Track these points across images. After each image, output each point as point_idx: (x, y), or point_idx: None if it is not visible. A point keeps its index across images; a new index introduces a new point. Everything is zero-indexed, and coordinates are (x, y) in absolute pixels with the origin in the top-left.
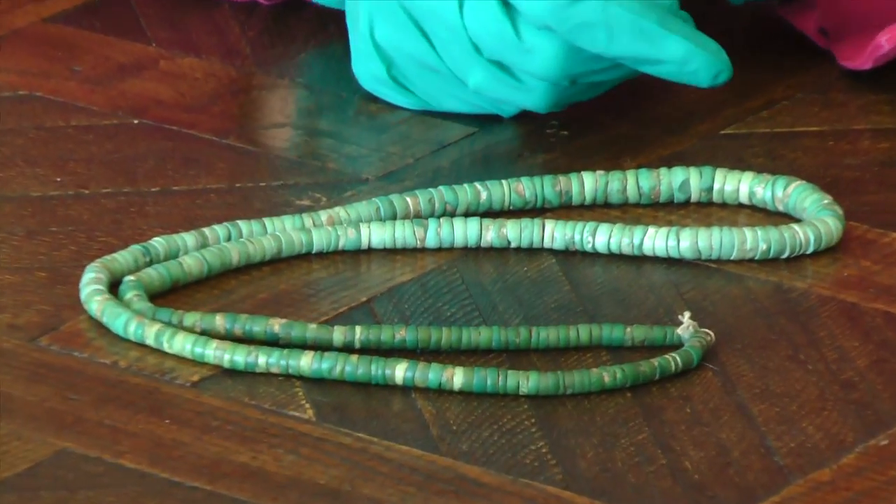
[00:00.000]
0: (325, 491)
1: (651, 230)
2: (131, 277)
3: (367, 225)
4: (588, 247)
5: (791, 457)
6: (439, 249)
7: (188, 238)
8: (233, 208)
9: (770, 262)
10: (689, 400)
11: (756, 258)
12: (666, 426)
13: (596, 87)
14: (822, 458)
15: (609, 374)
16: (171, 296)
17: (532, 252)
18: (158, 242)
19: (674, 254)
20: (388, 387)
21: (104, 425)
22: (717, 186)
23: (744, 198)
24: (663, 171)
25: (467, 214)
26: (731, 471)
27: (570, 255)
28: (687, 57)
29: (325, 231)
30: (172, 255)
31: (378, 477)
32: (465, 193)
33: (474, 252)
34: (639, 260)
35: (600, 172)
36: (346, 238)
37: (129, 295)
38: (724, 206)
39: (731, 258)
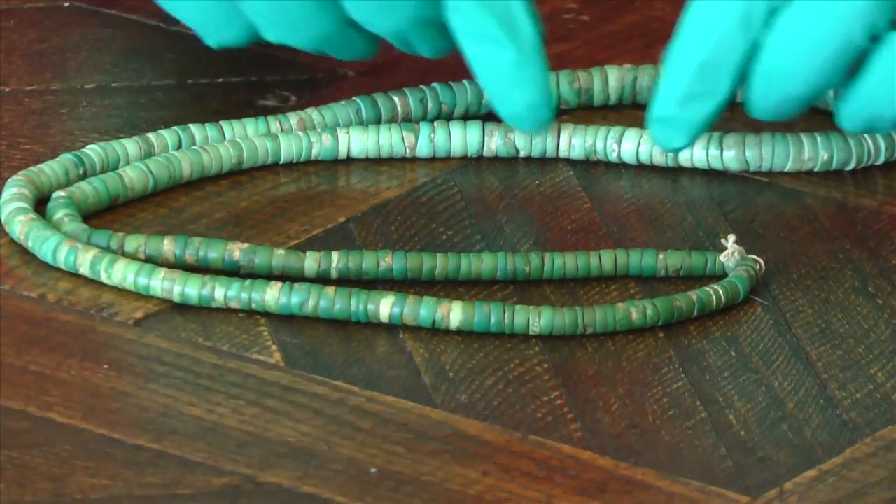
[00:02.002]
0: (295, 450)
1: None
2: (61, 193)
3: (345, 130)
4: (613, 156)
5: (857, 409)
6: (433, 159)
7: (130, 145)
8: (184, 109)
9: (833, 175)
10: (734, 341)
11: (816, 170)
12: (706, 373)
13: None
14: (895, 412)
15: (638, 311)
16: (109, 215)
17: (546, 162)
18: (94, 151)
19: (716, 165)
20: (370, 325)
21: (29, 372)
22: None
23: None
24: None
25: (467, 117)
26: (785, 426)
27: (591, 166)
28: None
29: (295, 137)
30: (111, 167)
31: (359, 434)
32: (465, 92)
33: (475, 162)
34: (674, 172)
35: (628, 66)
36: (320, 145)
37: (59, 214)
38: None
39: (786, 170)
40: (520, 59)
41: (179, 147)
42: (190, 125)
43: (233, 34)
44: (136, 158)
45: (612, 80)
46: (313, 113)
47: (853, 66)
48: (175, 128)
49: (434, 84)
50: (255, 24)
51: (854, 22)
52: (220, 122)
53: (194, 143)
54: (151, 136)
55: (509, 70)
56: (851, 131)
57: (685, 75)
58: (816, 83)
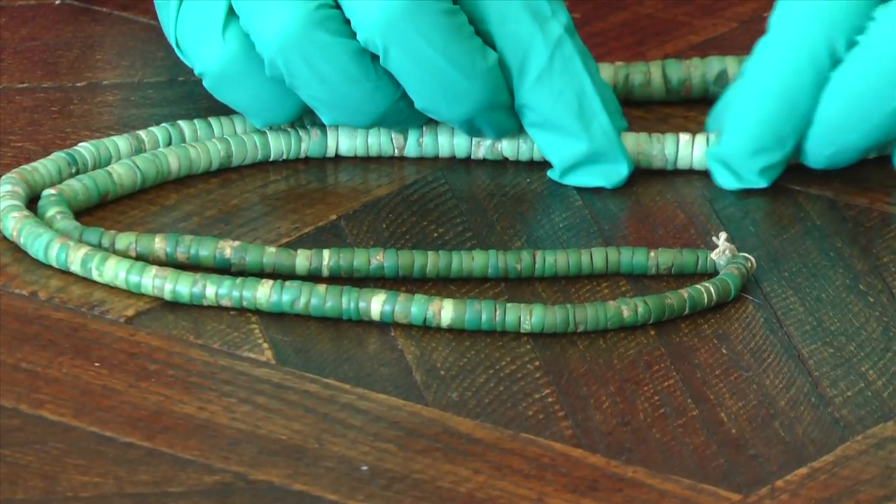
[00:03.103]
0: (286, 448)
1: (681, 134)
2: (52, 191)
3: (334, 128)
4: None
5: (848, 407)
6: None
7: (121, 143)
8: (175, 106)
9: (824, 173)
10: (725, 339)
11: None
12: (698, 371)
13: None
14: (886, 409)
15: (629, 308)
16: (100, 213)
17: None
18: (86, 149)
19: None
20: (362, 323)
21: (20, 369)
22: None
23: None
24: (696, 61)
25: None
26: (776, 424)
27: None
28: None
29: (283, 133)
30: (103, 164)
31: (350, 432)
32: None
33: (466, 159)
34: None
35: (619, 63)
36: (309, 142)
37: (51, 212)
38: None
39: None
40: (593, 148)
41: (170, 143)
42: (180, 122)
43: (283, 116)
44: (128, 156)
45: (603, 77)
46: None
47: None
48: (165, 125)
49: None
50: (311, 108)
51: None
52: (210, 118)
53: (184, 140)
54: (142, 133)
55: (584, 158)
56: None
57: (755, 129)
58: (872, 136)
